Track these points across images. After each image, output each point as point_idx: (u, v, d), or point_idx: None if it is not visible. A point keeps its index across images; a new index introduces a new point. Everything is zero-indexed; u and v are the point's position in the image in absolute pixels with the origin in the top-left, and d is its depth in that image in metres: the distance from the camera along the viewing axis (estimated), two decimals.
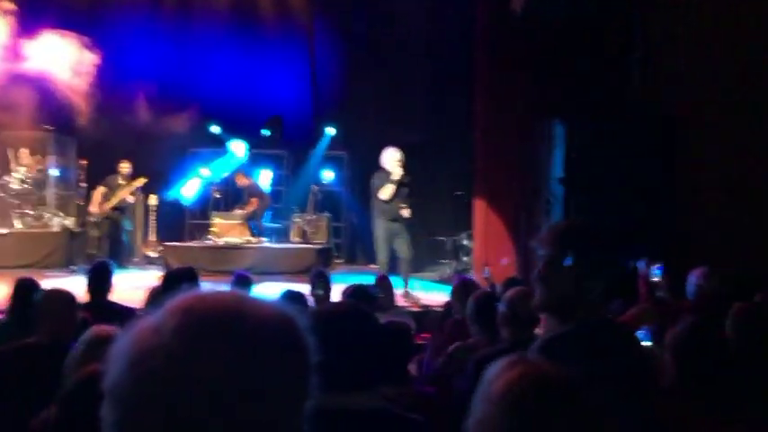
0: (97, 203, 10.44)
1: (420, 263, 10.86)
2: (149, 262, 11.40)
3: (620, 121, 7.53)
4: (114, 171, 10.71)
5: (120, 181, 10.63)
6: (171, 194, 11.66)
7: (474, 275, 8.71)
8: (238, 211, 11.07)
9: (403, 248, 8.12)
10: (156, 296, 3.82)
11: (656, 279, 4.66)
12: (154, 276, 9.80)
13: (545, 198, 7.54)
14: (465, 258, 10.03)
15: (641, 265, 4.62)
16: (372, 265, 11.39)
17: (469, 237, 9.82)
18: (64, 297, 3.24)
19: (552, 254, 2.01)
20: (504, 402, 1.05)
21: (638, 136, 7.30)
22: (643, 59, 7.58)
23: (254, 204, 11.04)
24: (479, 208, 9.04)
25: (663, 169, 7.09)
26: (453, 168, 10.97)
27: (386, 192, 7.94)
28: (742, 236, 6.49)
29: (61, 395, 1.88)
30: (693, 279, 4.55)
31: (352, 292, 3.65)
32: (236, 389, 0.75)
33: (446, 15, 10.93)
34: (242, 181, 11.25)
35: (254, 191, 11.25)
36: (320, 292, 5.10)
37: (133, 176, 10.79)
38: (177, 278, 3.45)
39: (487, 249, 8.63)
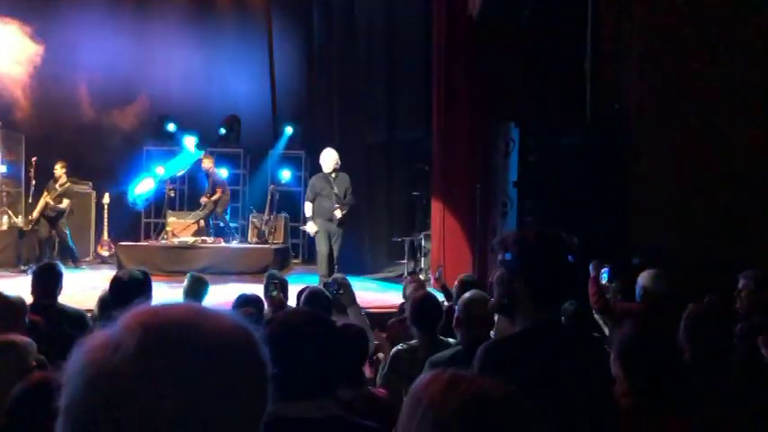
0: (38, 209, 10.17)
1: (378, 263, 10.92)
2: (102, 261, 11.19)
3: (575, 126, 7.69)
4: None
5: (57, 185, 10.28)
6: (128, 197, 11.43)
7: (430, 276, 8.79)
8: (204, 199, 10.88)
9: (335, 248, 8.35)
10: (106, 303, 3.76)
11: (604, 282, 4.78)
12: (106, 277, 9.63)
13: (501, 201, 7.65)
14: (423, 259, 10.10)
15: (591, 267, 4.72)
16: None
17: (427, 237, 9.89)
18: (11, 301, 3.16)
19: (511, 258, 2.05)
20: (436, 418, 0.98)
21: (591, 142, 7.46)
22: (594, 68, 7.75)
23: (218, 194, 10.88)
24: (436, 209, 9.13)
25: (613, 175, 7.26)
26: (412, 169, 11.04)
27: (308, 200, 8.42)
28: (689, 240, 6.71)
29: (8, 401, 1.84)
30: (641, 281, 4.67)
31: (308, 298, 3.65)
32: (195, 406, 0.75)
33: (405, 15, 11.00)
34: (207, 164, 11.03)
35: (218, 180, 11.08)
36: (274, 293, 5.07)
37: (85, 174, 10.54)
38: (127, 284, 3.38)
39: (445, 250, 8.71)
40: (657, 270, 4.73)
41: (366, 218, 11.01)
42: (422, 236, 10.15)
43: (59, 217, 10.10)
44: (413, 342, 3.59)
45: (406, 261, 10.22)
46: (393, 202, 11.16)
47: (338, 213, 8.25)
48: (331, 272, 8.16)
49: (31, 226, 10.24)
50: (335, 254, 8.37)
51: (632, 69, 7.36)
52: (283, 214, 11.78)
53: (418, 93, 10.64)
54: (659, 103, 7.15)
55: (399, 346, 3.58)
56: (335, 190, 8.23)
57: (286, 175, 12.49)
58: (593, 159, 7.28)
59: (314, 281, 7.80)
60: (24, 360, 2.22)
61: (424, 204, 10.42)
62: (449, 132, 8.88)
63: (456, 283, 4.86)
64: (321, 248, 8.39)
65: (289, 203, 12.17)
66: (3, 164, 11.01)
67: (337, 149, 11.51)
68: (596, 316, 4.70)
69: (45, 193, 10.20)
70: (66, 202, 10.14)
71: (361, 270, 10.43)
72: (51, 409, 1.85)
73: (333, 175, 8.31)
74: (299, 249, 12.57)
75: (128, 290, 3.35)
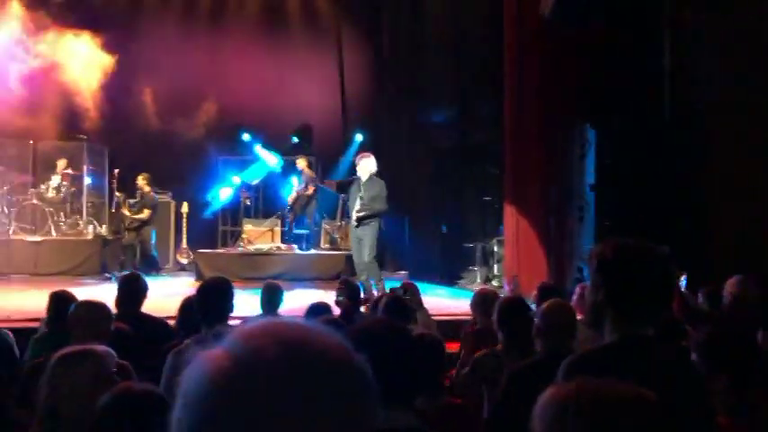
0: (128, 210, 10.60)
1: (449, 269, 10.82)
2: (181, 269, 11.55)
3: (652, 126, 7.42)
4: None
5: (139, 197, 10.66)
6: (209, 200, 11.80)
7: (504, 283, 8.65)
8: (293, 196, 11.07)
9: (364, 252, 8.26)
10: (188, 310, 3.84)
11: (683, 290, 4.58)
12: (186, 284, 9.95)
13: (577, 204, 7.45)
14: (495, 265, 9.94)
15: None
16: (401, 271, 11.39)
17: (500, 243, 9.73)
18: (98, 308, 3.27)
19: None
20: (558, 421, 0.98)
21: (670, 141, 7.18)
22: (673, 65, 7.46)
23: (310, 190, 11.05)
24: (510, 214, 8.96)
25: (693, 176, 6.97)
26: (483, 173, 10.90)
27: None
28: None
29: (97, 411, 1.89)
30: (728, 288, 4.46)
31: (387, 307, 3.62)
32: (320, 425, 0.74)
33: (474, 17, 10.90)
34: (302, 164, 11.25)
35: (311, 179, 11.26)
36: (341, 299, 5.12)
37: (162, 184, 10.91)
38: (212, 290, 3.45)
39: (519, 256, 8.53)
40: (744, 276, 4.49)
41: (436, 223, 10.95)
42: (494, 241, 10.00)
43: (143, 226, 10.49)
44: (497, 347, 3.51)
45: (478, 267, 10.09)
46: (464, 207, 11.05)
47: (354, 215, 8.23)
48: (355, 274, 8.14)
49: (115, 235, 10.66)
50: (366, 258, 8.24)
51: (712, 66, 7.04)
52: None
53: (488, 95, 10.51)
54: (739, 101, 6.79)
55: (483, 352, 3.52)
56: (362, 193, 8.21)
57: None
58: (672, 160, 7.00)
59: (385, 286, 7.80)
60: (104, 368, 2.28)
61: (496, 209, 10.26)
62: (521, 135, 8.72)
63: (535, 291, 4.75)
64: (353, 253, 8.40)
65: None
66: (87, 176, 11.53)
67: (406, 155, 11.57)
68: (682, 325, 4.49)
69: (125, 205, 10.61)
70: (146, 212, 10.51)
71: (432, 276, 10.36)
72: (138, 418, 1.89)
73: (364, 180, 8.28)
74: None
75: (214, 297, 3.41)
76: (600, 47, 7.92)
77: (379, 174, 8.34)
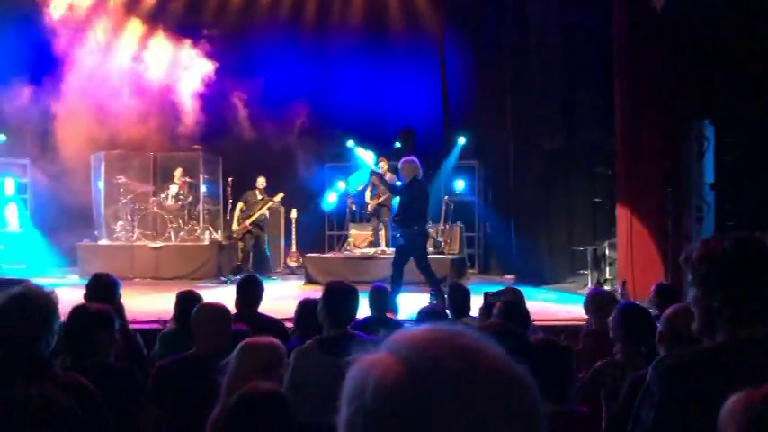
0: (236, 221, 11.05)
1: (557, 273, 10.54)
2: (291, 272, 11.90)
3: None
4: (253, 186, 11.28)
5: (258, 196, 11.15)
6: (321, 208, 12.14)
7: (617, 287, 8.33)
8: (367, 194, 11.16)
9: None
10: (307, 308, 3.94)
11: None
12: (295, 286, 10.25)
13: (696, 205, 7.07)
14: (607, 269, 9.58)
15: None
16: (507, 276, 11.22)
17: (612, 246, 9.38)
18: (218, 310, 3.41)
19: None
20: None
21: None
22: None
23: (381, 198, 11.14)
24: (622, 216, 8.62)
25: None
26: (592, 174, 10.56)
27: None
28: None
29: (228, 406, 1.97)
30: None
31: (503, 311, 3.56)
32: None
33: (582, 14, 10.59)
34: (384, 166, 11.33)
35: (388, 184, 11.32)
36: (435, 301, 5.07)
37: (269, 190, 11.32)
38: (339, 293, 3.53)
39: (633, 259, 8.19)
40: None
41: (544, 226, 10.70)
42: (605, 244, 9.64)
43: (264, 226, 10.97)
44: (616, 356, 3.38)
45: (589, 271, 9.75)
46: (573, 209, 10.72)
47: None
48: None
49: (229, 240, 11.14)
50: (421, 267, 8.13)
51: None
52: (458, 224, 11.80)
53: (597, 93, 10.17)
54: None
55: (603, 361, 3.40)
56: (402, 199, 8.14)
57: (460, 185, 12.53)
58: None
59: (490, 289, 7.68)
60: (275, 358, 2.46)
61: (607, 211, 9.90)
62: (633, 133, 8.37)
63: (652, 293, 4.53)
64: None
65: (463, 213, 12.18)
66: (203, 184, 12.12)
67: (513, 156, 11.38)
68: None
69: (254, 202, 11.07)
70: (267, 212, 11.06)
71: (540, 280, 10.13)
72: (262, 416, 1.95)
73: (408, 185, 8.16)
74: (475, 259, 12.51)
75: (340, 301, 3.49)
76: (716, 39, 7.49)
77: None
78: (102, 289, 4.00)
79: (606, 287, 9.00)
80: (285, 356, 2.69)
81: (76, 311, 3.08)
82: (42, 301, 2.23)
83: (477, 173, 12.77)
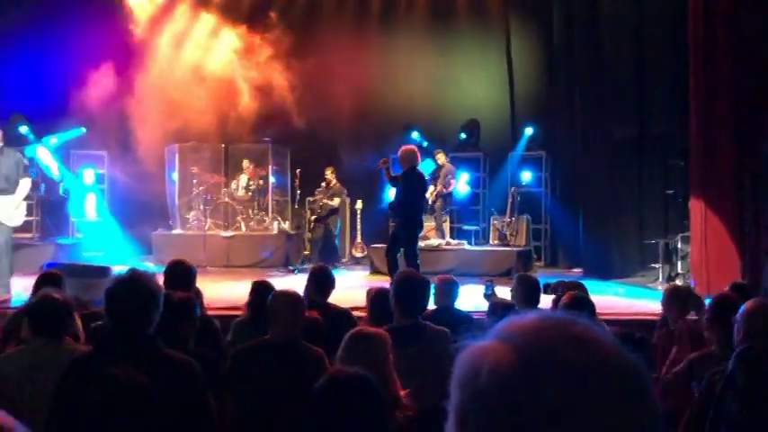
0: (310, 211, 11.27)
1: (627, 266, 10.31)
2: (356, 262, 12.03)
3: None
4: (321, 177, 11.46)
5: (326, 187, 11.32)
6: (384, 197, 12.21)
7: (691, 281, 8.09)
8: (431, 188, 11.16)
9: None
10: (379, 298, 4.00)
11: None
12: (360, 276, 10.37)
13: None
14: (679, 262, 9.31)
15: None
16: (575, 269, 11.04)
17: (684, 239, 9.10)
18: (293, 298, 3.51)
19: None
20: None
21: None
22: None
23: (452, 186, 11.10)
24: (696, 208, 8.35)
25: None
26: (665, 165, 10.26)
27: None
28: None
29: (314, 390, 2.04)
30: None
31: (571, 305, 3.53)
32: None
33: (653, 1, 10.28)
34: (442, 158, 11.34)
35: (452, 175, 11.28)
36: (489, 292, 5.04)
37: (338, 181, 11.48)
38: (411, 283, 3.58)
39: (707, 253, 7.93)
40: None
41: (614, 218, 10.45)
42: (678, 237, 9.37)
43: (330, 215, 11.12)
44: (710, 350, 3.30)
45: (660, 265, 9.50)
46: (644, 201, 10.44)
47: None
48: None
49: (297, 230, 11.36)
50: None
51: None
52: (525, 216, 11.67)
53: (671, 80, 9.86)
54: None
55: (699, 353, 3.32)
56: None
57: (526, 176, 12.38)
58: None
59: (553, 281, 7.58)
60: (380, 351, 2.55)
61: (680, 203, 9.61)
62: (709, 122, 8.09)
63: (727, 290, 4.40)
64: None
65: (530, 205, 12.04)
66: (272, 175, 12.38)
67: (581, 147, 11.15)
68: None
69: (318, 195, 11.28)
70: (337, 201, 11.18)
71: (608, 273, 9.91)
72: (348, 400, 2.01)
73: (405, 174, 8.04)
74: (542, 251, 12.35)
75: (412, 290, 3.54)
76: None
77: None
78: (180, 276, 4.16)
79: (678, 281, 8.76)
80: (391, 347, 2.76)
81: None
82: (150, 284, 2.36)
83: (545, 164, 12.59)
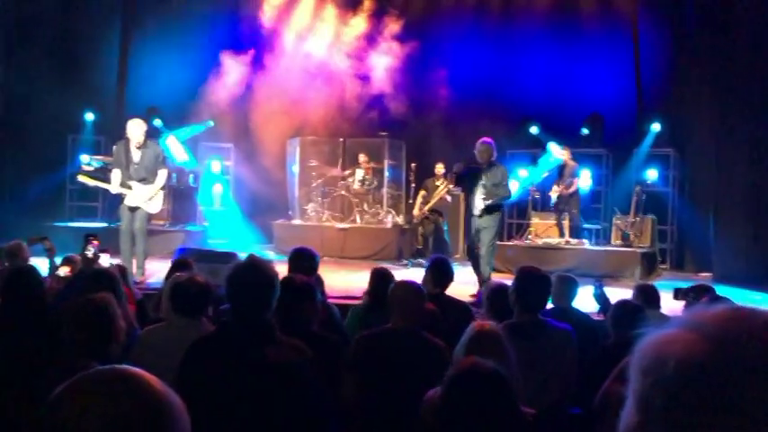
0: (418, 206, 11.25)
1: (765, 274, 9.55)
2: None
3: None
4: (434, 172, 11.42)
5: (437, 182, 11.27)
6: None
7: None
8: (555, 188, 10.83)
9: (480, 242, 7.64)
10: (497, 293, 3.93)
11: None
12: (472, 272, 10.24)
13: None
14: None
15: None
16: (703, 273, 10.38)
17: None
18: (414, 289, 3.50)
19: None
20: None
21: None
22: None
23: (575, 185, 10.72)
24: None
25: None
26: None
27: None
28: None
29: (446, 380, 2.02)
30: None
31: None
32: None
33: None
34: (565, 155, 10.97)
35: (576, 173, 10.89)
36: (599, 292, 4.79)
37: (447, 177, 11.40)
38: (533, 279, 3.50)
39: None
40: None
41: (750, 221, 9.71)
42: None
43: (443, 212, 11.13)
44: None
45: None
46: None
47: (480, 203, 7.59)
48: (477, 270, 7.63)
49: (416, 221, 11.37)
50: (483, 250, 7.62)
51: None
52: (650, 216, 11.12)
53: None
54: None
55: None
56: (483, 181, 7.54)
57: (652, 174, 11.79)
58: None
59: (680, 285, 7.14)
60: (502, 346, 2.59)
61: None
62: None
63: None
64: (468, 243, 7.89)
65: (655, 205, 11.46)
66: (387, 169, 12.49)
67: (715, 144, 10.45)
68: None
69: (433, 188, 11.26)
70: (449, 198, 11.17)
71: (741, 280, 9.11)
72: (481, 392, 1.97)
73: (485, 167, 7.64)
74: (667, 254, 11.72)
75: (533, 286, 3.46)
76: None
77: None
78: (304, 262, 4.27)
79: None
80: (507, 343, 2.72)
81: (284, 282, 3.32)
82: (268, 271, 2.42)
83: (673, 161, 11.94)
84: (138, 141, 7.69)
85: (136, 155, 7.72)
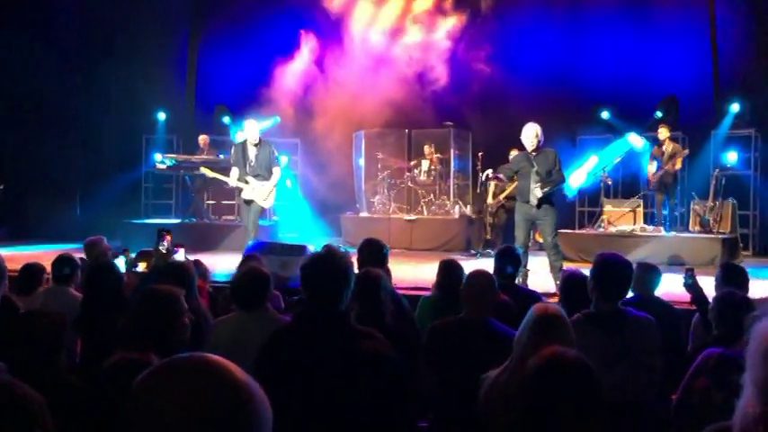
0: (491, 194, 11.07)
1: None
2: (540, 248, 11.66)
3: None
4: (506, 160, 11.20)
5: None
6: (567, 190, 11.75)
7: None
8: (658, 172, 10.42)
9: (543, 233, 7.38)
10: (571, 282, 3.81)
11: None
12: (542, 262, 10.02)
13: None
14: None
15: None
16: None
17: None
18: (486, 279, 3.44)
19: None
20: None
21: None
22: None
23: (678, 164, 10.27)
24: None
25: None
26: None
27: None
28: None
29: (529, 374, 1.96)
30: None
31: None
32: None
33: None
34: (665, 134, 10.51)
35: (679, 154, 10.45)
36: (690, 281, 4.51)
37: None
38: (611, 268, 3.37)
39: None
40: None
41: None
42: None
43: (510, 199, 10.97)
44: None
45: None
46: None
47: (537, 192, 7.14)
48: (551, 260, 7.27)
49: (488, 211, 11.20)
50: (550, 240, 7.25)
51: None
52: (730, 200, 10.62)
53: None
54: None
55: None
56: (536, 168, 7.11)
57: (732, 157, 11.26)
58: None
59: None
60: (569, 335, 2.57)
61: None
62: None
63: None
64: (517, 235, 7.35)
65: (736, 188, 10.95)
66: (454, 159, 12.36)
67: None
68: None
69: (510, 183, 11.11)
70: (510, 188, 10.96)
71: None
72: (568, 382, 1.90)
73: (533, 154, 7.20)
74: (749, 240, 11.19)
75: (611, 276, 3.34)
76: None
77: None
78: (374, 253, 4.26)
79: None
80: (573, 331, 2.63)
81: (358, 275, 3.32)
82: (343, 261, 2.41)
83: (754, 143, 11.37)
84: (254, 140, 8.19)
85: (252, 153, 8.25)
